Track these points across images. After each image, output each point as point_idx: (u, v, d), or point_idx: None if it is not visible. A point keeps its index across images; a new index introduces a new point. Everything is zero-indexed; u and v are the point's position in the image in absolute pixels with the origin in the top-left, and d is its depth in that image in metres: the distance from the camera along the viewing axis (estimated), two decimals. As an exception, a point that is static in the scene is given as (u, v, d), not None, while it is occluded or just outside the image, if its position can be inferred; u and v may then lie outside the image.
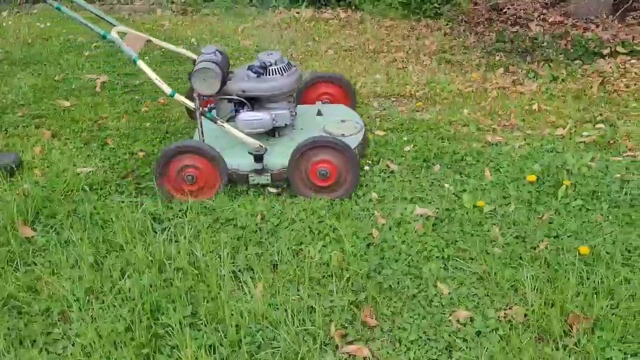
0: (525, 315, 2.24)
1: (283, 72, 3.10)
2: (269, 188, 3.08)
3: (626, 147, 3.41)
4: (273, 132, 3.20)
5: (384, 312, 2.28)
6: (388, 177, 3.20)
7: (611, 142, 3.47)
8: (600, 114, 3.81)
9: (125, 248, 2.59)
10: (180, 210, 2.89)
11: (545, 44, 4.91)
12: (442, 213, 2.85)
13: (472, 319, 2.23)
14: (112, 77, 4.60)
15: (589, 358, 2.04)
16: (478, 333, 2.17)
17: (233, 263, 2.52)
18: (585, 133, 3.61)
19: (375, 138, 3.58)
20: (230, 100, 3.14)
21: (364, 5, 6.09)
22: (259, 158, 3.01)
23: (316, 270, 2.47)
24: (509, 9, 5.64)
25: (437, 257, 2.57)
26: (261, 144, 3.00)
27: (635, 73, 4.41)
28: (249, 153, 3.01)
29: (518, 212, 2.85)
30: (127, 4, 7.00)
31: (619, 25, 5.21)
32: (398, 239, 2.67)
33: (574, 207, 2.89)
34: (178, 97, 3.03)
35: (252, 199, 2.98)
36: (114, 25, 3.20)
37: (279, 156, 3.04)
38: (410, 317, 2.26)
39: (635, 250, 2.56)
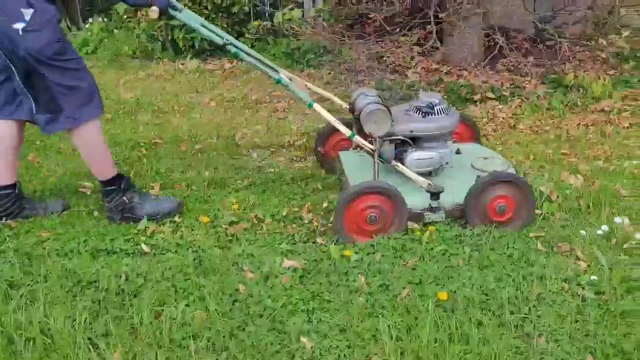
0: (384, 365, 2.27)
1: (447, 111, 3.25)
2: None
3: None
4: (430, 172, 3.25)
5: (246, 371, 2.25)
6: (260, 229, 3.20)
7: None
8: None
9: (-25, 319, 2.45)
10: (39, 275, 2.77)
11: (420, 90, 5.09)
12: (309, 265, 2.87)
13: (332, 373, 2.24)
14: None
15: (441, 406, 2.08)
16: (336, 387, 2.18)
17: (90, 329, 2.43)
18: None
19: (250, 190, 3.59)
20: (391, 142, 3.18)
21: (248, 55, 6.14)
22: (436, 195, 3.10)
23: (177, 331, 2.41)
24: (388, 57, 5.84)
25: (302, 310, 2.56)
26: (430, 182, 3.12)
27: (503, 118, 4.64)
28: (427, 192, 3.11)
29: (384, 260, 2.90)
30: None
31: (490, 72, 5.49)
32: (264, 293, 2.66)
33: (437, 252, 2.97)
34: (357, 138, 3.14)
35: (116, 258, 2.90)
36: (277, 71, 3.35)
37: (449, 194, 3.12)
38: (272, 374, 2.24)
39: (491, 292, 2.65)
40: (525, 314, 2.52)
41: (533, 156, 4.00)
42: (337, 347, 2.36)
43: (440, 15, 5.24)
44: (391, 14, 5.92)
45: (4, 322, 2.42)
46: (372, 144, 3.13)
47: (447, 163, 3.29)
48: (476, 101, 4.94)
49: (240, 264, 2.88)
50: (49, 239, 3.07)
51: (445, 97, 4.99)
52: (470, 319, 2.48)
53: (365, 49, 5.85)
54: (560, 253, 2.97)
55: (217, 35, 3.23)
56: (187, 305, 2.57)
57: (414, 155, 3.18)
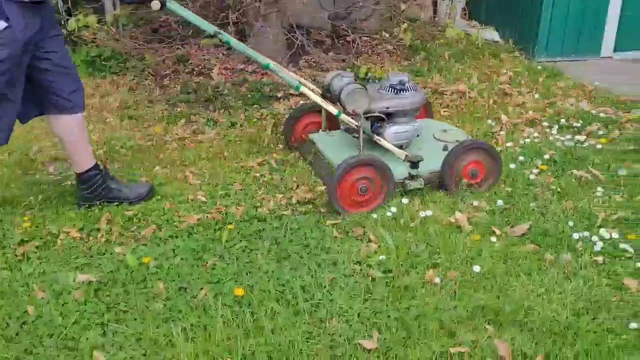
0: (180, 368, 2.25)
1: (416, 88, 3.58)
2: None
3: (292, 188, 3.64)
4: (400, 145, 3.51)
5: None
6: (54, 245, 3.05)
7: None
8: (273, 156, 4.04)
9: None
10: None
11: (225, 91, 5.12)
12: (105, 276, 2.78)
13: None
14: None
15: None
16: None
17: None
18: (258, 174, 3.80)
19: (43, 206, 3.41)
20: (367, 118, 3.46)
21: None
22: (415, 165, 3.39)
23: (-46, 364, 2.25)
24: (194, 60, 5.80)
25: (96, 324, 2.49)
26: (407, 154, 3.41)
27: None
28: (408, 161, 3.40)
29: (183, 263, 2.88)
30: None
31: (293, 69, 5.63)
32: (56, 311, 2.55)
33: (237, 249, 3.00)
34: (343, 116, 3.41)
35: None
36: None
37: (424, 163, 3.43)
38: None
39: (288, 283, 2.72)
40: (319, 300, 2.63)
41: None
42: (132, 357, 2.32)
43: (234, 16, 5.27)
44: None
45: None
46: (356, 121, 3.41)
47: (418, 135, 3.60)
48: (280, 98, 5.04)
49: (30, 285, 2.73)
50: None
51: (249, 95, 5.05)
52: (266, 311, 2.53)
53: (169, 52, 5.77)
54: (354, 237, 3.12)
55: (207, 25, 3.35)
56: (-34, 335, 2.39)
57: (392, 129, 3.49)
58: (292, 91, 5.12)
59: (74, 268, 2.86)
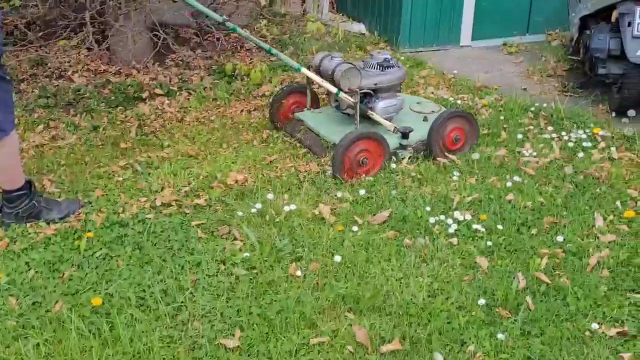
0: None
1: (398, 65, 3.90)
2: None
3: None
4: (389, 118, 3.85)
5: None
6: None
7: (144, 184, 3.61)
8: (136, 159, 3.93)
9: None
10: None
11: (87, 94, 4.94)
12: (-50, 297, 2.62)
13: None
14: None
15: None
16: None
17: None
18: (121, 178, 3.69)
19: None
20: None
21: None
22: (406, 135, 3.72)
23: None
24: (53, 62, 5.55)
25: (-60, 349, 2.34)
26: (396, 126, 3.76)
27: (171, 112, 4.69)
28: (399, 132, 3.74)
29: (37, 277, 2.76)
30: None
31: (159, 68, 5.51)
32: None
33: (97, 257, 2.91)
34: (342, 95, 3.69)
35: None
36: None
37: (411, 133, 3.76)
38: None
39: (149, 288, 2.67)
40: (181, 302, 2.59)
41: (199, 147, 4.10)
42: (-20, 380, 2.20)
43: (88, 16, 5.08)
44: (50, 18, 5.62)
45: None
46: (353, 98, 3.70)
47: (402, 108, 3.91)
48: (145, 99, 4.92)
49: None
50: None
51: (113, 97, 4.90)
52: (125, 318, 2.47)
53: (26, 55, 5.49)
54: (220, 236, 3.10)
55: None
56: None
57: (381, 103, 3.80)
58: (157, 91, 5.02)
59: None
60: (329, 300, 2.61)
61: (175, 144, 4.19)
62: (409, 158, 3.78)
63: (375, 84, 3.81)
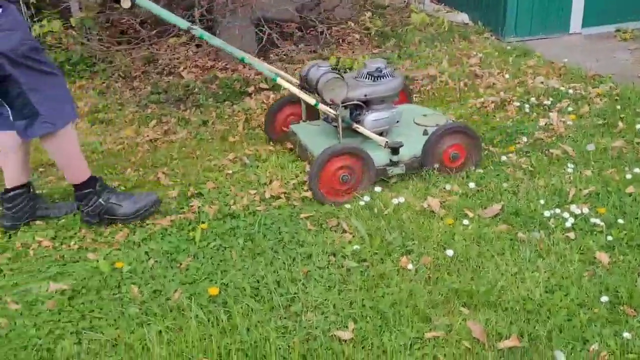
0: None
1: (393, 75, 3.55)
2: None
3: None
4: (381, 132, 3.52)
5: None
6: (26, 255, 3.03)
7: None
8: (245, 152, 4.02)
9: None
10: None
11: (196, 90, 5.08)
12: (78, 284, 2.76)
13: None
14: None
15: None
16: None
17: None
18: (231, 171, 3.78)
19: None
20: (346, 107, 3.46)
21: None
22: (396, 150, 3.39)
23: None
24: (163, 59, 5.76)
25: (70, 333, 2.47)
26: (387, 140, 3.42)
27: (276, 106, 4.75)
28: (389, 148, 3.40)
29: (157, 266, 2.87)
30: None
31: (265, 62, 5.60)
32: (29, 323, 2.53)
33: (212, 248, 2.99)
34: (321, 106, 3.42)
35: None
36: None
37: (406, 148, 3.44)
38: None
39: (263, 279, 2.72)
40: (294, 293, 2.62)
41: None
42: (108, 364, 2.31)
43: (199, 12, 5.22)
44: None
45: None
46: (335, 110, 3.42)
47: (398, 122, 3.59)
48: (250, 93, 5.01)
49: (3, 297, 2.71)
50: None
51: (220, 92, 5.02)
52: (241, 308, 2.53)
53: (139, 53, 5.72)
54: (328, 229, 3.12)
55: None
56: (-61, 353, 2.37)
57: (370, 116, 3.48)
58: (262, 85, 5.11)
59: (47, 277, 2.83)
60: (442, 295, 2.57)
61: (282, 137, 4.24)
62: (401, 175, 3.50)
63: (365, 95, 3.49)
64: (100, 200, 3.22)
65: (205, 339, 2.36)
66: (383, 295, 2.58)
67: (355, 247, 2.91)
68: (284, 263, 2.83)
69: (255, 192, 3.49)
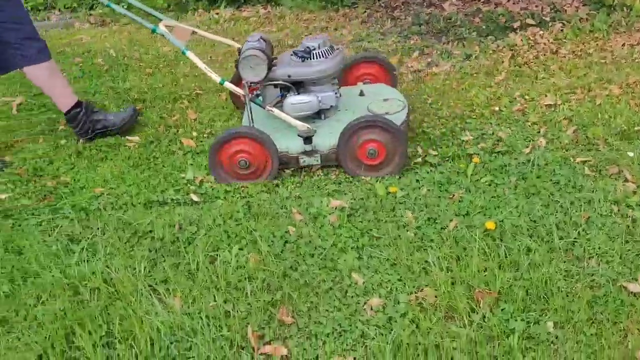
0: (436, 296, 2.31)
1: (327, 55, 3.17)
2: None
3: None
4: (319, 115, 3.28)
5: (301, 308, 2.32)
6: (303, 173, 3.24)
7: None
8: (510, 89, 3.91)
9: (41, 274, 2.57)
10: (97, 228, 2.88)
11: (458, 22, 5.00)
12: (356, 203, 2.90)
13: (384, 306, 2.29)
14: (28, 98, 4.53)
15: (493, 331, 2.12)
16: (389, 319, 2.23)
17: (150, 276, 2.53)
18: (497, 108, 3.70)
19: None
20: (276, 86, 3.22)
21: (283, 0, 6.11)
22: (308, 140, 3.11)
23: (232, 274, 2.49)
24: (424, -10, 5.73)
25: (351, 247, 2.62)
26: (309, 127, 3.10)
27: (544, 44, 4.53)
28: (299, 136, 3.11)
29: (430, 195, 2.92)
30: (44, 20, 6.88)
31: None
32: (314, 233, 2.72)
33: (483, 183, 2.97)
34: (227, 84, 3.20)
35: (168, 209, 2.99)
36: (160, 20, 3.46)
37: (327, 137, 3.14)
38: (326, 310, 2.30)
39: (540, 219, 2.65)
40: (574, 238, 2.53)
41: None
42: (389, 280, 2.41)
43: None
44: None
45: (69, 274, 2.54)
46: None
47: (331, 106, 3.25)
48: (516, 29, 4.82)
49: (289, 207, 2.93)
50: (103, 194, 3.17)
51: (484, 26, 4.89)
52: (519, 246, 2.50)
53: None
54: (608, 176, 2.95)
55: None
56: (240, 249, 2.64)
57: (290, 100, 3.17)
58: (529, 21, 4.88)
59: (325, 194, 3.01)
60: None
61: (551, 76, 4.05)
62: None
63: (289, 76, 3.14)
64: (88, 119, 3.65)
65: (484, 271, 2.38)
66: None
67: (642, 197, 2.72)
68: (562, 207, 2.73)
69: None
